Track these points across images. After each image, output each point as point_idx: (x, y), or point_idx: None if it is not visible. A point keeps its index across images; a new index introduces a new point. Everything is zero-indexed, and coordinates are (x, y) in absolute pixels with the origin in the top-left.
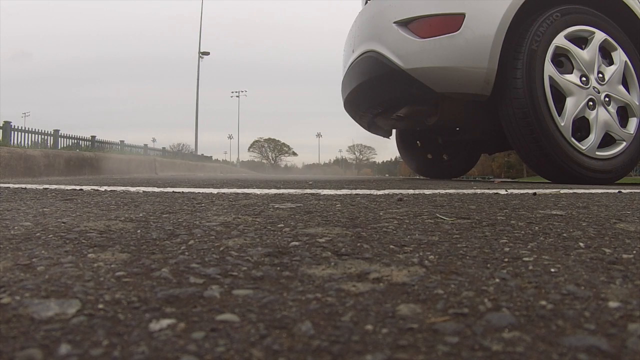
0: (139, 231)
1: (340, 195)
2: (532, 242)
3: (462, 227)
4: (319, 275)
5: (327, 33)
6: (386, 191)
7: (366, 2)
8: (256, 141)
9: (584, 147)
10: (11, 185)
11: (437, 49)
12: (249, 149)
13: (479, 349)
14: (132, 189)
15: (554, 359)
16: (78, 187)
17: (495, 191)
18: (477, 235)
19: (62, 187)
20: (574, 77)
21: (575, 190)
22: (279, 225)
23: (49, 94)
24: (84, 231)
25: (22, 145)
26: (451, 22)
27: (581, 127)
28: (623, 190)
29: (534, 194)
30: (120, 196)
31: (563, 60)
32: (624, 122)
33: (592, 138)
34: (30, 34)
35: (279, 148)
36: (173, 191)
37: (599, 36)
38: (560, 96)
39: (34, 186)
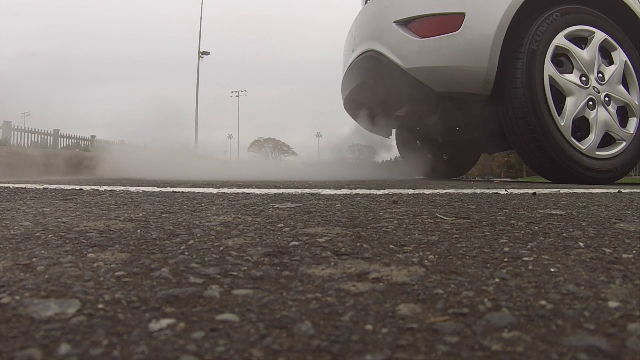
0: (139, 231)
1: (340, 195)
2: (532, 242)
3: (462, 227)
4: (319, 275)
5: (328, 33)
6: (386, 191)
7: (366, 2)
8: (256, 141)
9: (584, 147)
10: (11, 185)
11: (438, 48)
12: (249, 149)
13: (479, 349)
14: (132, 189)
15: (554, 359)
16: (78, 187)
17: (495, 191)
18: (477, 235)
19: (62, 187)
20: (574, 77)
21: (575, 190)
22: (279, 225)
23: (49, 93)
24: (84, 231)
25: (22, 145)
26: (451, 22)
27: (581, 127)
28: (623, 190)
29: (534, 194)
30: (120, 196)
31: (563, 60)
32: (624, 122)
33: (592, 138)
34: (33, 34)
35: (279, 148)
36: (173, 191)
37: (599, 36)
38: (560, 96)
39: (34, 186)
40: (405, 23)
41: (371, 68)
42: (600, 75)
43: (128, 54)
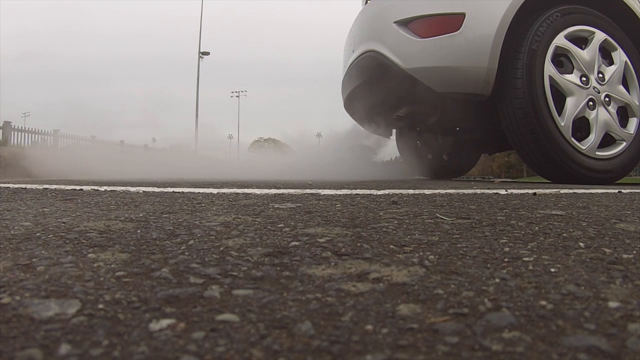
0: (139, 231)
1: (340, 195)
2: (532, 242)
3: (462, 227)
4: (319, 275)
5: (328, 32)
6: (386, 191)
7: (366, 2)
8: (256, 141)
9: (584, 147)
10: (11, 185)
11: (438, 48)
12: (248, 149)
13: (479, 349)
14: (132, 189)
15: (554, 359)
16: (78, 187)
17: (495, 191)
18: (477, 235)
19: (62, 187)
20: (574, 77)
21: (575, 190)
22: (279, 225)
23: (50, 93)
24: (84, 231)
25: (22, 145)
26: (451, 22)
27: (581, 127)
28: (623, 190)
29: (534, 194)
30: (120, 196)
31: (563, 60)
32: (624, 122)
33: (592, 138)
34: (34, 33)
35: (279, 148)
36: (173, 191)
37: (599, 36)
38: (560, 96)
39: (34, 186)
40: (405, 23)
41: (371, 68)
42: (600, 75)
43: (128, 54)
